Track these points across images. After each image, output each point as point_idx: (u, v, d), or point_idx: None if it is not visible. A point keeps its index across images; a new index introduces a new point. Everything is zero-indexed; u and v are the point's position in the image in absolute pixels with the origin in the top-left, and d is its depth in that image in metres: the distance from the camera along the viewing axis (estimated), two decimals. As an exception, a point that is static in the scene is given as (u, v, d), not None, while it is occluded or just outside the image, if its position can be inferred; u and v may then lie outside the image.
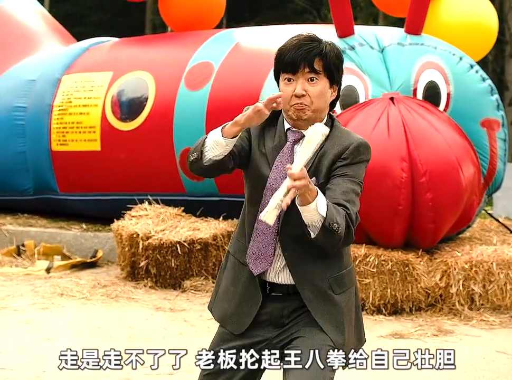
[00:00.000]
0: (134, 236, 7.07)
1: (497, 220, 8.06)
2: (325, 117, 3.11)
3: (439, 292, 6.17)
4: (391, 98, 6.64)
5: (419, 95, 6.75)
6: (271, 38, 8.21)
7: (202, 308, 6.33)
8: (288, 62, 3.08)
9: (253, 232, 2.98)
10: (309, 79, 3.01)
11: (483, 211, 7.87)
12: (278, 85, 3.09)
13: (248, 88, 7.49)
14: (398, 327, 5.78)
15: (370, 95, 6.76)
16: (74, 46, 9.65)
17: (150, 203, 7.79)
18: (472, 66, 7.05)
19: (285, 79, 3.06)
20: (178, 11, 9.25)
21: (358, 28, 7.08)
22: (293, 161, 2.93)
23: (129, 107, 8.40)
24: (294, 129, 3.04)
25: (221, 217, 7.48)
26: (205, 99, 7.80)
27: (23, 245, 8.25)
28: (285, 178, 2.74)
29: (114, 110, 8.49)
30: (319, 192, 2.73)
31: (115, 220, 7.53)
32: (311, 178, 2.75)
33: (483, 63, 19.39)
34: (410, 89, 6.75)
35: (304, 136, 2.98)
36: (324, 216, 2.68)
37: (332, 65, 3.05)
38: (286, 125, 3.06)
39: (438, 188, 6.17)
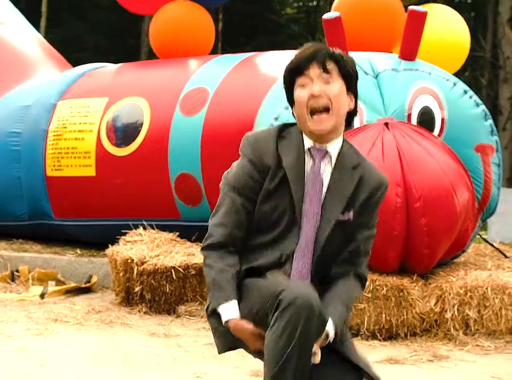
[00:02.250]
0: (129, 261, 7.06)
1: (492, 245, 8.07)
2: (342, 137, 2.92)
3: (434, 317, 6.16)
4: (386, 124, 6.66)
5: (414, 121, 6.77)
6: (266, 63, 8.25)
7: (196, 333, 6.31)
8: (299, 63, 2.90)
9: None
10: (324, 81, 2.84)
11: (478, 236, 7.87)
12: (291, 106, 2.94)
13: (243, 113, 7.52)
14: (393, 352, 5.77)
15: (364, 121, 6.78)
16: (69, 72, 9.69)
17: (144, 228, 7.79)
18: (466, 92, 7.09)
19: (298, 88, 2.89)
20: (167, 42, 9.29)
21: (352, 54, 7.10)
22: (322, 183, 2.87)
23: (123, 133, 8.42)
24: (317, 146, 2.89)
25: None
26: (200, 124, 7.82)
27: (17, 271, 8.23)
28: (319, 201, 2.79)
29: (109, 135, 8.51)
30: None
31: (109, 245, 7.52)
32: (346, 211, 2.81)
33: (477, 88, 19.49)
34: (405, 114, 6.77)
35: (328, 152, 2.87)
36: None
37: (349, 68, 2.89)
38: (307, 143, 2.89)
39: (433, 213, 6.18)
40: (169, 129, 8.06)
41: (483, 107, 7.12)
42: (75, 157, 8.72)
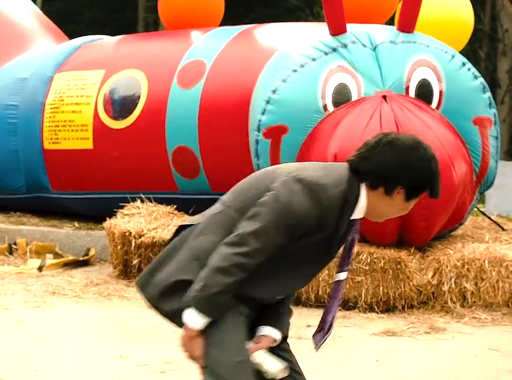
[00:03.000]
0: (127, 234, 7.06)
1: (489, 217, 8.07)
2: None
3: (431, 289, 6.18)
4: (384, 96, 6.64)
5: (412, 93, 6.75)
6: (264, 35, 8.20)
7: (194, 306, 6.32)
8: (436, 191, 2.85)
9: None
10: None
11: (475, 209, 7.88)
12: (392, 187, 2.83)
13: (241, 86, 7.49)
14: (390, 325, 5.79)
15: (362, 93, 6.76)
16: (66, 44, 9.63)
17: (142, 201, 7.78)
18: (464, 64, 7.06)
19: (412, 197, 2.85)
20: (177, 12, 9.21)
21: (350, 26, 7.08)
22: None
23: (121, 106, 8.38)
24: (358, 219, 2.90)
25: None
26: (197, 97, 7.79)
27: (15, 244, 8.23)
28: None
29: (106, 108, 8.48)
30: None
31: (107, 218, 7.52)
32: None
33: (475, 61, 19.41)
34: (403, 87, 6.75)
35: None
36: None
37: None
38: (357, 214, 2.86)
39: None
40: (166, 101, 8.03)
41: (481, 79, 7.10)
42: (72, 130, 8.69)
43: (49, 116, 8.86)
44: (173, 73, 8.11)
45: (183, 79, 7.99)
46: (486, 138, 6.96)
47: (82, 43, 9.46)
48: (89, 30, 22.13)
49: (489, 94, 7.09)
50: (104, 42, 9.51)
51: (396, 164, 2.80)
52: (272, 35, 8.12)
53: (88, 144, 8.55)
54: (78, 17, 23.91)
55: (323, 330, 3.09)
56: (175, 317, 2.85)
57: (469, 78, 7.02)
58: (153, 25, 21.84)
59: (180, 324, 2.81)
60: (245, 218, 2.81)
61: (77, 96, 8.73)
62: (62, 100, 8.82)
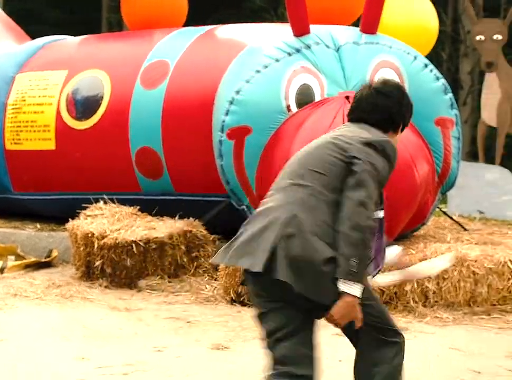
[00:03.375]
0: (89, 235, 7.03)
1: (451, 218, 8.13)
2: None
3: (394, 289, 6.20)
4: (347, 97, 6.67)
5: None
6: (227, 36, 8.19)
7: (157, 307, 6.31)
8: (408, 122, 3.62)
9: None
10: None
11: (437, 209, 7.93)
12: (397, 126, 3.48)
13: (204, 87, 7.48)
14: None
15: (326, 94, 6.79)
16: (28, 44, 9.55)
17: (105, 202, 7.74)
18: (426, 65, 7.11)
19: (402, 130, 3.55)
20: (140, 12, 9.18)
21: (313, 27, 7.10)
22: None
23: (83, 106, 8.33)
24: None
25: (177, 216, 7.45)
26: (160, 98, 7.76)
27: (-24, 245, 8.15)
28: None
29: (69, 108, 8.42)
30: None
31: (70, 219, 7.48)
32: None
33: (437, 62, 19.53)
34: None
35: None
36: None
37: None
38: None
39: (392, 186, 6.15)
40: (129, 102, 7.99)
41: (443, 81, 7.16)
42: (34, 131, 8.62)
43: (11, 117, 8.79)
44: (136, 73, 8.08)
45: (147, 79, 7.96)
46: (448, 139, 7.03)
47: (44, 43, 9.39)
48: (52, 31, 21.91)
49: (450, 95, 7.15)
50: (67, 42, 9.45)
51: (396, 106, 3.44)
52: (235, 35, 8.12)
53: (51, 145, 8.49)
54: (40, 17, 23.73)
55: (375, 262, 3.38)
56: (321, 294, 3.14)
57: (431, 79, 7.08)
58: (117, 25, 21.72)
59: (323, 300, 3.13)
60: (350, 188, 3.14)
61: (39, 96, 8.67)
62: (24, 100, 8.76)
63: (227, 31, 8.33)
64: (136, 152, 7.92)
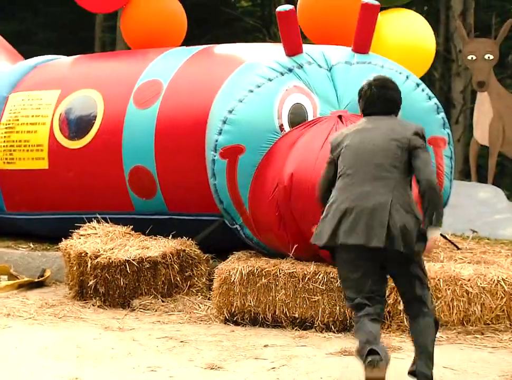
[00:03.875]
0: (83, 255, 7.02)
1: (444, 237, 8.13)
2: None
3: (387, 308, 6.20)
4: (340, 116, 6.70)
5: None
6: (220, 56, 8.21)
7: (151, 327, 6.30)
8: None
9: None
10: None
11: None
12: None
13: (197, 106, 7.49)
14: (347, 344, 5.80)
15: (318, 114, 6.82)
16: (21, 64, 9.56)
17: (98, 222, 7.74)
18: (418, 85, 7.14)
19: None
20: (139, 31, 9.27)
21: (306, 47, 7.14)
22: None
23: (77, 126, 8.33)
24: None
25: (170, 236, 7.45)
26: (153, 117, 7.78)
27: (-31, 265, 8.13)
28: None
29: (62, 128, 8.42)
30: None
31: (63, 239, 7.47)
32: None
33: (430, 81, 19.59)
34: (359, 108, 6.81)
35: None
36: None
37: None
38: None
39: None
40: (122, 121, 8.00)
41: (435, 100, 7.19)
42: (27, 150, 8.62)
43: (4, 136, 8.80)
44: (129, 92, 8.09)
45: (140, 99, 7.98)
46: (440, 158, 7.05)
47: (37, 63, 9.41)
48: (45, 51, 21.91)
49: (442, 114, 7.17)
50: (60, 62, 9.47)
51: (399, 96, 4.82)
52: (228, 55, 8.15)
53: (44, 164, 8.49)
54: (33, 38, 23.76)
55: None
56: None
57: (423, 99, 7.11)
58: (110, 45, 21.76)
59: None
60: (422, 169, 4.51)
61: (32, 116, 8.68)
62: (17, 120, 8.76)
63: (220, 51, 8.35)
64: (129, 172, 7.92)
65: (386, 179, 4.50)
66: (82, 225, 7.70)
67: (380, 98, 4.72)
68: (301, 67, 6.97)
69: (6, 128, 8.82)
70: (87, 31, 23.76)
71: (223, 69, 7.65)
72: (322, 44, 7.83)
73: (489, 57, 11.26)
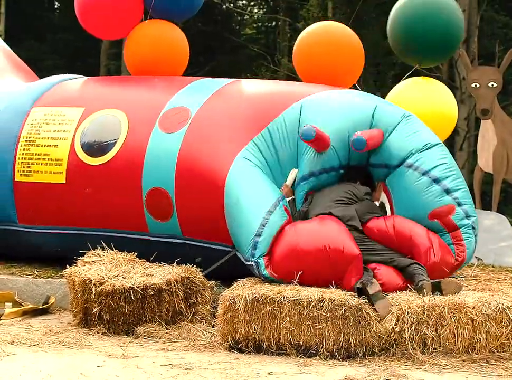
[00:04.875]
0: (87, 282, 7.02)
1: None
2: None
3: (393, 336, 6.20)
4: None
5: None
6: (248, 89, 8.27)
7: (155, 354, 6.29)
8: None
9: None
10: None
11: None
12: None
13: (220, 143, 7.59)
14: (351, 372, 5.79)
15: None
16: (44, 80, 9.63)
17: (103, 248, 7.75)
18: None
19: None
20: (142, 59, 9.38)
21: None
22: None
23: (98, 143, 8.36)
24: None
25: (175, 263, 7.47)
26: (178, 142, 7.84)
27: (-27, 292, 8.13)
28: None
29: (83, 144, 8.46)
30: None
31: (67, 266, 7.48)
32: None
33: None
34: None
35: None
36: None
37: None
38: None
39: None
40: (146, 143, 8.05)
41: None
42: (46, 164, 8.65)
43: (24, 149, 8.83)
44: (156, 116, 8.17)
45: (166, 123, 8.05)
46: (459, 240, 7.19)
47: (60, 80, 9.47)
48: (50, 77, 22.02)
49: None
50: (84, 80, 9.52)
51: None
52: (256, 89, 8.24)
53: (61, 179, 8.51)
54: (39, 64, 23.88)
55: None
56: None
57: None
58: (115, 72, 21.88)
59: None
60: None
61: (54, 130, 8.73)
62: (38, 133, 8.81)
63: (248, 85, 8.41)
64: (147, 193, 7.96)
65: None
66: (86, 252, 7.71)
67: None
68: None
69: (26, 141, 8.85)
70: (93, 58, 23.91)
71: (249, 102, 7.82)
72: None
73: (492, 84, 11.29)
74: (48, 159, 8.66)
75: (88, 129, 8.50)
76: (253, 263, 6.92)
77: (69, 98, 9.01)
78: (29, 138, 8.85)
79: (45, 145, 8.73)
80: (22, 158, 8.82)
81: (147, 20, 9.58)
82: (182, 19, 10.76)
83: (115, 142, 8.25)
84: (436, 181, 7.14)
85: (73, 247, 7.71)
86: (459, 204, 7.12)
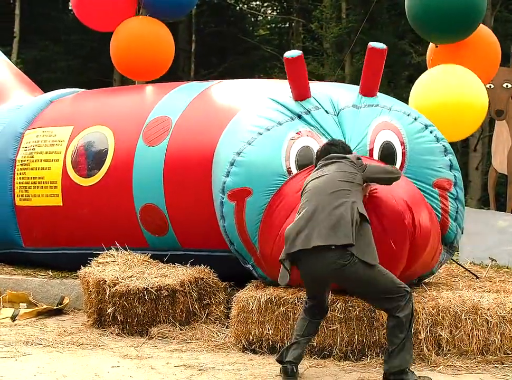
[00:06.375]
0: (101, 282, 7.04)
1: (462, 266, 8.10)
2: None
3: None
4: None
5: (376, 156, 6.82)
6: (229, 92, 8.21)
7: (169, 355, 6.30)
8: None
9: None
10: None
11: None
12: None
13: (203, 146, 7.49)
14: (365, 374, 5.78)
15: (326, 157, 6.77)
16: (37, 100, 9.62)
17: (117, 249, 7.76)
18: (426, 127, 7.10)
19: None
20: (127, 58, 9.51)
21: (313, 91, 7.13)
22: None
23: (89, 163, 8.35)
24: None
25: (188, 263, 7.47)
26: (162, 155, 7.78)
27: (-12, 293, 8.16)
28: None
29: (74, 165, 8.46)
30: None
31: (82, 266, 7.49)
32: None
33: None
34: (367, 150, 6.81)
35: None
36: None
37: None
38: None
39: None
40: (132, 159, 7.98)
41: (444, 142, 7.13)
42: (42, 187, 8.67)
43: (20, 173, 8.87)
44: (139, 129, 8.10)
45: (149, 136, 7.99)
46: (445, 199, 6.99)
47: (52, 98, 9.49)
48: (65, 78, 22.16)
49: (450, 156, 7.09)
50: (74, 97, 9.52)
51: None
52: (237, 91, 8.16)
53: (58, 201, 8.53)
54: (53, 65, 23.98)
55: None
56: None
57: (431, 140, 7.06)
58: (128, 72, 21.88)
59: None
60: None
61: (46, 152, 8.73)
62: (32, 156, 8.83)
63: (229, 87, 8.35)
64: (140, 209, 7.93)
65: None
66: (100, 252, 7.72)
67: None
68: (309, 112, 6.97)
69: (22, 165, 8.89)
70: (106, 59, 23.94)
71: (229, 107, 7.69)
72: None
73: (507, 85, 11.27)
74: (44, 182, 8.68)
75: (77, 149, 8.49)
76: (249, 266, 6.89)
77: (59, 118, 9.01)
78: (24, 161, 8.90)
79: (39, 168, 8.77)
80: (20, 182, 8.87)
81: (140, 16, 9.70)
82: (174, 18, 10.82)
83: (104, 160, 8.23)
84: (446, 151, 7.12)
85: (78, 268, 7.68)
86: None
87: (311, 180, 5.85)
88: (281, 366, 5.64)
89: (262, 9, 29.60)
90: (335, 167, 5.79)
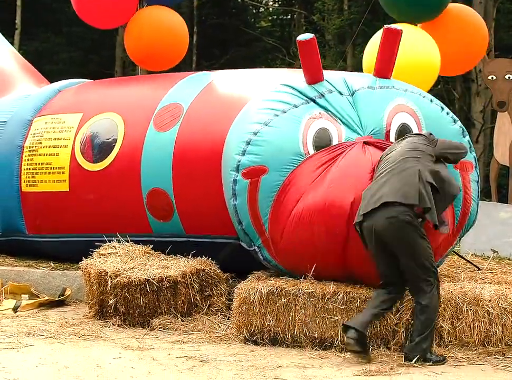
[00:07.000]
0: (103, 274, 7.04)
1: (463, 258, 8.10)
2: None
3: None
4: (366, 142, 6.68)
5: (392, 138, 6.81)
6: (240, 81, 8.20)
7: (171, 346, 6.31)
8: None
9: None
10: None
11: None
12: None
13: (214, 132, 7.49)
14: (366, 364, 5.79)
15: (343, 139, 6.76)
16: (45, 88, 9.64)
17: (118, 241, 7.76)
18: (442, 108, 7.10)
19: None
20: (141, 47, 9.48)
21: (326, 74, 7.12)
22: None
23: (98, 148, 8.36)
24: None
25: (190, 255, 7.47)
26: (172, 140, 7.79)
27: (-10, 284, 8.17)
28: None
29: (83, 150, 8.46)
30: None
31: (83, 258, 7.50)
32: None
33: (449, 101, 19.58)
34: (383, 132, 6.81)
35: None
36: None
37: None
38: None
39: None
40: (142, 144, 8.01)
41: (460, 124, 7.13)
42: (49, 172, 8.67)
43: (28, 159, 8.86)
44: (150, 116, 8.11)
45: (160, 122, 8.00)
46: (468, 182, 6.99)
47: (61, 87, 9.50)
48: (67, 70, 22.16)
49: (468, 138, 7.11)
50: (83, 86, 9.54)
51: None
52: (248, 80, 8.14)
53: (65, 187, 8.53)
54: (55, 57, 23.98)
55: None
56: None
57: (448, 122, 7.05)
58: (130, 64, 21.91)
59: None
60: None
61: (55, 138, 8.73)
62: (40, 143, 8.83)
63: (240, 76, 8.35)
64: (147, 194, 7.93)
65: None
66: (102, 244, 7.72)
67: None
68: (323, 96, 6.96)
69: (30, 151, 8.89)
70: (108, 51, 23.96)
71: (242, 94, 7.67)
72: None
73: (509, 77, 11.25)
74: (51, 168, 8.68)
75: (87, 135, 8.50)
76: (255, 248, 6.87)
77: (69, 105, 9.01)
78: (32, 148, 8.89)
79: (47, 154, 8.76)
80: (27, 169, 8.87)
81: (144, 7, 9.70)
82: (174, 4, 10.84)
83: (113, 146, 8.24)
84: (464, 133, 7.13)
85: (83, 254, 7.70)
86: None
87: (386, 154, 6.34)
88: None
89: (264, 1, 29.58)
90: (409, 139, 6.34)
